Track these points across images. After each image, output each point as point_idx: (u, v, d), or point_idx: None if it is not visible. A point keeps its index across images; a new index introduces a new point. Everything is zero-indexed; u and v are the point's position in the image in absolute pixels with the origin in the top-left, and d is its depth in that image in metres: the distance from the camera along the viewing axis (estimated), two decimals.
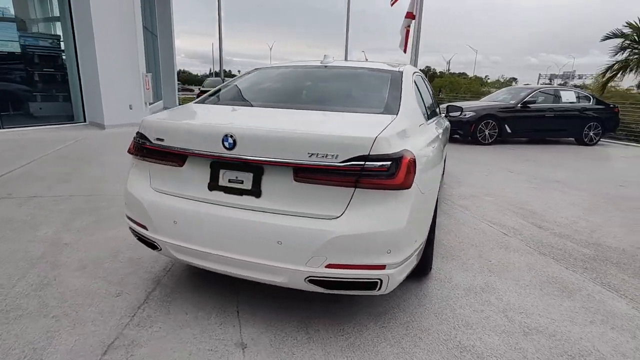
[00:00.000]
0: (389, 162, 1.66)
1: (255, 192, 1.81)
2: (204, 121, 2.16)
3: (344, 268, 1.69)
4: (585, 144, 9.42)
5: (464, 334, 2.00)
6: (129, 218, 2.17)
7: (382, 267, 1.70)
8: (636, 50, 12.01)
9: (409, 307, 2.23)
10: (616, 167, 7.24)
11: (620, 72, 12.63)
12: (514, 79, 71.22)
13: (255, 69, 3.10)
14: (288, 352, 1.83)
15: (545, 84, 36.65)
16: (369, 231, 1.66)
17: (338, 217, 1.70)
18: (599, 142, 9.73)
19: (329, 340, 1.93)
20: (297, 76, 2.86)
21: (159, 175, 2.06)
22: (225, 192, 1.87)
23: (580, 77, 49.99)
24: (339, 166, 1.65)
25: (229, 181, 1.87)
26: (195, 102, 2.59)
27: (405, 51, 13.80)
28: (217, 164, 1.88)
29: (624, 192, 5.13)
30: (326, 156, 1.66)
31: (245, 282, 2.12)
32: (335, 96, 2.53)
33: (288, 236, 1.70)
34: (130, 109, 9.25)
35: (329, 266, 1.69)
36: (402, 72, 2.69)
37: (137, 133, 2.12)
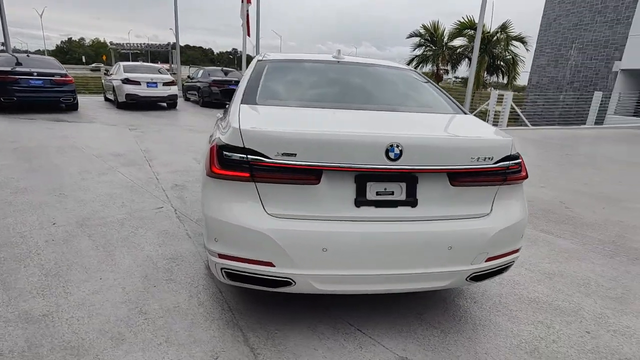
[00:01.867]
0: (519, 160, 1.92)
1: (412, 202, 1.75)
2: (346, 130, 1.77)
3: (498, 258, 1.88)
4: None
5: None
6: (229, 257, 1.71)
7: (518, 250, 1.98)
8: (429, 47, 15.49)
9: None
10: None
11: (419, 64, 16.18)
12: None
13: (259, 60, 2.71)
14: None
15: None
16: (515, 221, 1.90)
17: (489, 214, 1.86)
18: None
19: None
20: (336, 73, 2.68)
21: (279, 197, 1.69)
22: (375, 206, 1.73)
23: None
24: (493, 167, 1.81)
25: (377, 194, 1.74)
26: (247, 104, 2.12)
27: (249, 34, 13.88)
28: (364, 177, 1.71)
29: None
30: (485, 159, 1.79)
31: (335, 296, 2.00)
32: (396, 96, 2.53)
33: (458, 240, 1.76)
34: None
35: (488, 260, 1.85)
36: (414, 70, 2.93)
37: (238, 149, 1.66)
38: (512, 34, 14.17)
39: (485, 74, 14.45)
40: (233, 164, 1.67)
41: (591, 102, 14.57)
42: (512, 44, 12.93)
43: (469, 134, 1.93)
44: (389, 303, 2.23)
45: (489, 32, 13.86)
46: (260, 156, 1.64)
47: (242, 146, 1.65)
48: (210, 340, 1.86)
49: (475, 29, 14.35)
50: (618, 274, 2.77)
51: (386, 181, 1.73)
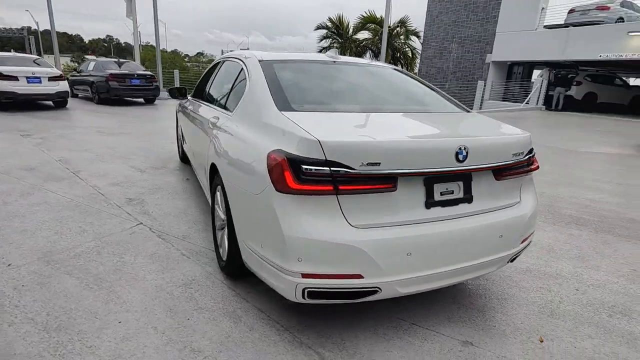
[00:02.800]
0: (533, 153, 2.22)
1: (468, 198, 1.89)
2: (421, 136, 1.91)
3: (527, 239, 2.15)
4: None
5: None
6: (315, 275, 1.63)
7: (533, 232, 2.29)
8: (335, 39, 16.05)
9: None
10: None
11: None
12: (201, 54, 77.53)
13: (261, 61, 2.53)
14: None
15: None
16: (535, 206, 2.19)
17: (520, 202, 2.11)
18: None
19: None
20: (350, 74, 2.70)
21: (359, 207, 1.67)
22: (442, 206, 1.83)
23: None
24: (524, 160, 2.06)
25: (441, 194, 1.84)
26: (286, 111, 1.97)
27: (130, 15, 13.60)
28: (432, 180, 1.80)
29: None
30: (519, 154, 2.02)
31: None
32: (415, 97, 2.65)
33: (506, 228, 1.96)
34: None
35: (522, 241, 2.10)
36: (400, 69, 3.11)
37: (319, 162, 1.57)
38: (410, 28, 15.54)
39: None
40: (314, 177, 1.59)
41: (475, 89, 16.91)
42: (410, 38, 14.24)
43: (507, 133, 2.15)
44: (423, 293, 2.37)
45: (390, 27, 14.98)
46: (345, 168, 1.59)
47: (325, 159, 1.59)
48: None
49: (377, 23, 15.36)
50: (567, 238, 3.38)
51: (448, 181, 1.85)
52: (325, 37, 16.26)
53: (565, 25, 15.00)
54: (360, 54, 16.07)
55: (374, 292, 1.71)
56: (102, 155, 5.47)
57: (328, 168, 1.59)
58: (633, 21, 14.27)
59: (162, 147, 6.16)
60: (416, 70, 19.47)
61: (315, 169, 1.59)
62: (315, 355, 1.82)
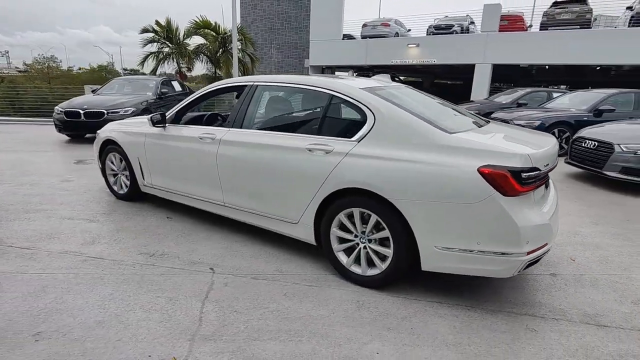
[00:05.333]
0: None
1: (547, 185, 2.83)
2: (542, 144, 2.59)
3: None
4: None
5: None
6: (533, 250, 2.23)
7: None
8: (164, 44, 14.76)
9: None
10: None
11: (155, 59, 15.00)
12: None
13: (366, 88, 2.75)
14: None
15: None
16: None
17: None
18: None
19: None
20: (415, 96, 3.11)
21: (538, 197, 2.36)
22: (546, 187, 2.72)
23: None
24: None
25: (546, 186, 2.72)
26: (452, 133, 2.37)
27: None
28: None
29: None
30: None
31: None
32: (463, 112, 3.31)
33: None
34: None
35: None
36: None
37: (529, 169, 2.17)
38: (248, 35, 15.85)
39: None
40: (529, 181, 2.20)
41: None
42: (248, 45, 14.57)
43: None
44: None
45: (225, 33, 14.88)
46: (538, 170, 2.27)
47: (531, 166, 2.21)
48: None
49: (210, 29, 15.05)
50: None
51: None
52: (152, 41, 14.70)
53: (363, 37, 18.59)
54: (190, 61, 15.32)
55: (547, 252, 2.46)
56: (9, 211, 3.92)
57: (534, 172, 2.22)
58: (402, 36, 19.05)
59: (66, 189, 4.82)
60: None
61: (529, 175, 2.20)
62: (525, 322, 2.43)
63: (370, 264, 2.67)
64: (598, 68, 16.13)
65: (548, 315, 2.43)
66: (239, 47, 14.09)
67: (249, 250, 3.23)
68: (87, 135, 8.83)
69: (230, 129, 3.29)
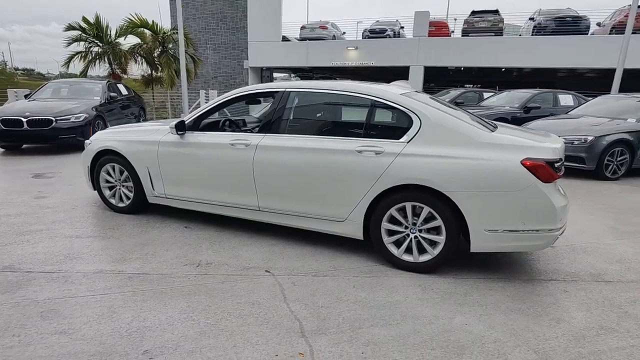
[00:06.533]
0: None
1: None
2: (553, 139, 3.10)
3: None
4: None
5: None
6: (562, 227, 2.73)
7: None
8: (93, 43, 13.46)
9: None
10: None
11: (83, 60, 13.53)
12: None
13: (403, 94, 3.03)
14: None
15: None
16: None
17: None
18: None
19: None
20: (438, 100, 3.44)
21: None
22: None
23: None
24: None
25: None
26: (491, 132, 2.76)
27: None
28: None
29: None
30: None
31: None
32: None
33: None
34: None
35: None
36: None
37: (557, 160, 2.65)
38: (190, 36, 15.06)
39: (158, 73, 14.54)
40: (558, 169, 2.69)
41: None
42: (189, 46, 13.87)
43: None
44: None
45: (166, 33, 13.99)
46: (562, 161, 2.78)
47: (559, 157, 2.71)
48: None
49: (149, 28, 14.11)
50: None
51: None
52: (79, 40, 13.26)
53: (303, 39, 18.91)
54: (122, 62, 14.14)
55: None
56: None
57: (560, 162, 2.72)
58: (339, 39, 19.79)
59: (47, 206, 4.36)
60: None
61: (559, 165, 2.69)
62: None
63: (421, 251, 2.98)
64: (503, 70, 18.43)
65: (567, 278, 2.98)
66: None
67: (292, 251, 3.33)
68: (25, 146, 7.89)
69: (266, 134, 3.36)
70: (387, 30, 18.17)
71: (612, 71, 11.08)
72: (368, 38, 18.39)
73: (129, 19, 13.31)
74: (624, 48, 10.41)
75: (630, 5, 15.03)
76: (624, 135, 6.09)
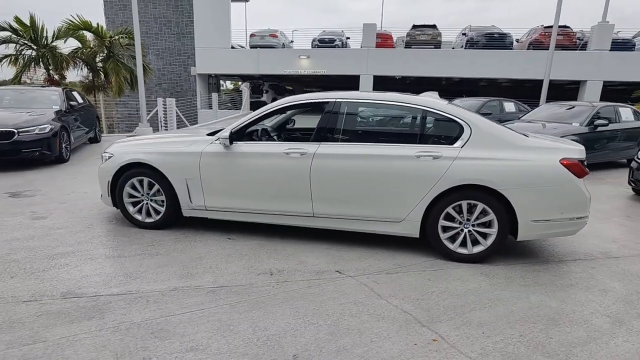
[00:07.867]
0: None
1: None
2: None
3: None
4: None
5: None
6: (588, 215, 3.28)
7: None
8: (27, 45, 12.05)
9: None
10: None
11: (14, 64, 11.97)
12: None
13: (448, 104, 3.38)
14: None
15: None
16: None
17: None
18: None
19: None
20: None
21: None
22: None
23: None
24: None
25: None
26: (525, 136, 3.21)
27: None
28: None
29: None
30: None
31: None
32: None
33: None
34: None
35: None
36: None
37: (584, 159, 3.19)
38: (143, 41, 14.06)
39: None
40: (586, 167, 3.25)
41: (190, 101, 17.83)
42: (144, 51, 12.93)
43: None
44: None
45: (112, 36, 12.88)
46: (585, 160, 3.34)
47: (585, 157, 3.27)
48: None
49: (93, 32, 13.01)
50: None
51: None
52: (8, 42, 11.70)
53: (253, 47, 18.81)
54: (61, 66, 12.81)
55: None
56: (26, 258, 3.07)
57: (586, 161, 3.28)
58: (288, 47, 20.05)
59: (56, 227, 3.96)
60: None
61: (586, 163, 3.24)
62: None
63: (474, 243, 3.35)
64: (444, 82, 20.20)
65: (586, 257, 3.56)
66: (131, 55, 12.62)
67: (349, 254, 3.49)
68: None
69: (322, 143, 3.50)
70: (336, 40, 18.86)
71: (528, 81, 12.79)
72: (318, 47, 18.90)
73: (70, 20, 12.18)
74: (549, 63, 12.13)
75: (543, 25, 17.43)
76: (574, 138, 7.18)
